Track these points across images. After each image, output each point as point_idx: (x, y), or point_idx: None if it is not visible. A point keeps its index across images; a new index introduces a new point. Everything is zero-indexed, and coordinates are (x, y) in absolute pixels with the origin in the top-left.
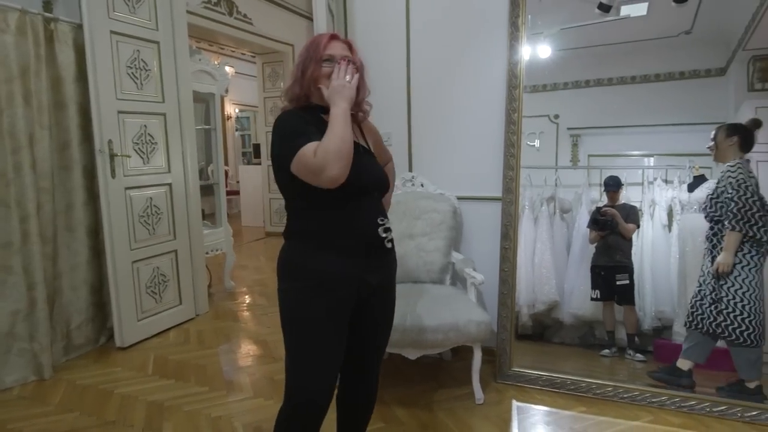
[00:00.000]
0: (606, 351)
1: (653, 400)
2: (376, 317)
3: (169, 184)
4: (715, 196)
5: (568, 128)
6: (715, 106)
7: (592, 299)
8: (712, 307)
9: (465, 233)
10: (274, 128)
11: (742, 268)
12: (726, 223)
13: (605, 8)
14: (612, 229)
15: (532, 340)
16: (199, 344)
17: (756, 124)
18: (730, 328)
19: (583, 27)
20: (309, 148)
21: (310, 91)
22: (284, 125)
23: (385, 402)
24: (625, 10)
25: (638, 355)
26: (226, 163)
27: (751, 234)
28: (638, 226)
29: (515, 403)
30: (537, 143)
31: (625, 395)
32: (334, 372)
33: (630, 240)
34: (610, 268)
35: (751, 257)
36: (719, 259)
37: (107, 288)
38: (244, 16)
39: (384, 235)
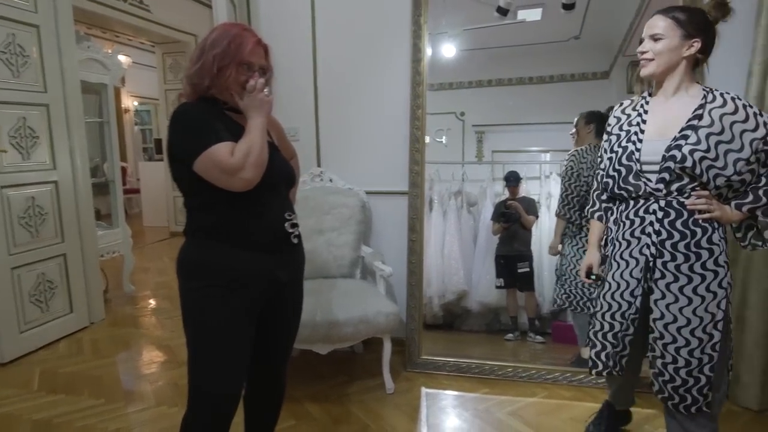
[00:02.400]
0: (510, 335)
1: (548, 377)
2: (285, 314)
3: (55, 182)
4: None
5: (473, 125)
6: (601, 105)
7: (496, 287)
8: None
9: (374, 227)
10: (174, 121)
11: (570, 246)
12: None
13: (503, 12)
14: (516, 221)
15: (443, 329)
16: (94, 354)
17: (611, 111)
18: (560, 294)
19: (484, 29)
20: (223, 148)
21: (219, 89)
22: (188, 119)
23: (297, 399)
24: (522, 15)
25: (538, 337)
26: (125, 160)
27: (569, 218)
28: (537, 218)
29: (424, 390)
30: (444, 139)
31: (523, 374)
32: (241, 375)
33: (530, 230)
34: (513, 258)
35: (572, 236)
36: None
37: None
38: (141, 2)
39: (291, 230)
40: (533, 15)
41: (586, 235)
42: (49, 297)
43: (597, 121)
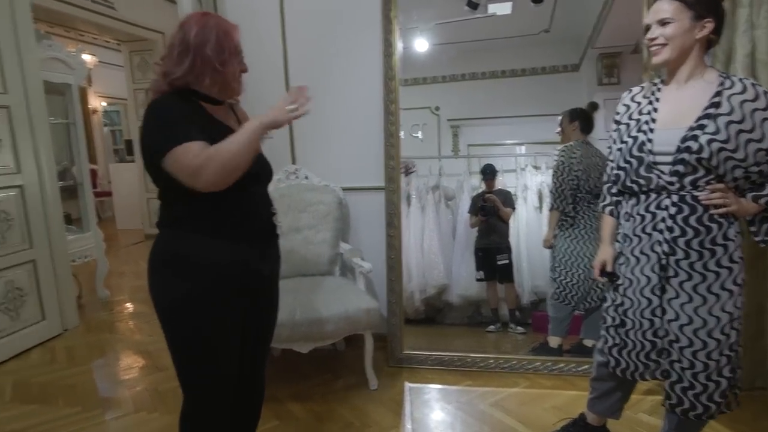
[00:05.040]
0: (491, 327)
1: (529, 366)
2: (266, 310)
3: (20, 186)
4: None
5: (448, 119)
6: (572, 98)
7: (477, 280)
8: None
9: (352, 223)
10: (150, 114)
11: (564, 239)
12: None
13: (473, 6)
14: (494, 214)
15: (425, 324)
16: (69, 362)
17: (593, 107)
18: (557, 290)
19: (455, 23)
20: (190, 148)
21: (220, 85)
22: (164, 113)
23: (279, 398)
24: (492, 9)
25: (519, 327)
26: (94, 162)
27: (564, 210)
28: (514, 210)
29: (407, 385)
30: (420, 134)
31: (505, 365)
32: (235, 368)
33: (507, 223)
34: (491, 250)
35: (566, 229)
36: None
37: None
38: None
39: (277, 223)
40: (503, 9)
41: (581, 228)
42: (19, 305)
43: (580, 118)
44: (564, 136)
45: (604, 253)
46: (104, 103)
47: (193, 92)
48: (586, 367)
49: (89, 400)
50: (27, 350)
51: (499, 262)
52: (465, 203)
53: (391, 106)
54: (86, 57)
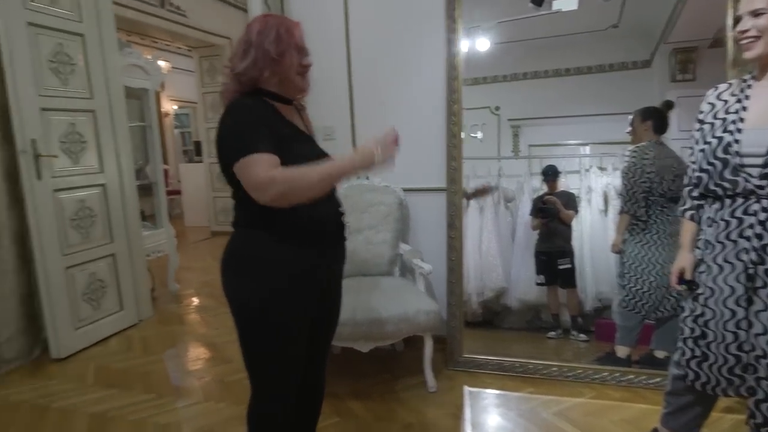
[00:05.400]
0: (552, 333)
1: (595, 376)
2: (331, 309)
3: (103, 185)
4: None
5: (509, 119)
6: (642, 96)
7: (537, 284)
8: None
9: (412, 224)
10: (227, 118)
11: (634, 244)
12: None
13: (538, 2)
14: (554, 216)
15: (482, 327)
16: (144, 351)
17: (668, 106)
18: (625, 298)
19: (518, 20)
20: (259, 160)
21: (279, 78)
22: (241, 117)
23: (339, 396)
24: (557, 5)
25: (582, 335)
26: (166, 162)
27: (635, 213)
28: (577, 212)
29: (467, 389)
30: (479, 135)
31: (569, 374)
32: (302, 366)
33: (570, 226)
34: (553, 254)
35: (636, 234)
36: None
37: (39, 297)
38: (177, 8)
39: (346, 223)
40: (569, 4)
41: (654, 233)
42: (100, 295)
43: (654, 117)
44: (635, 136)
45: (683, 259)
46: (175, 107)
47: (262, 91)
48: (658, 379)
49: (162, 387)
50: (106, 338)
51: (561, 267)
52: (525, 205)
53: (453, 106)
54: (161, 63)
